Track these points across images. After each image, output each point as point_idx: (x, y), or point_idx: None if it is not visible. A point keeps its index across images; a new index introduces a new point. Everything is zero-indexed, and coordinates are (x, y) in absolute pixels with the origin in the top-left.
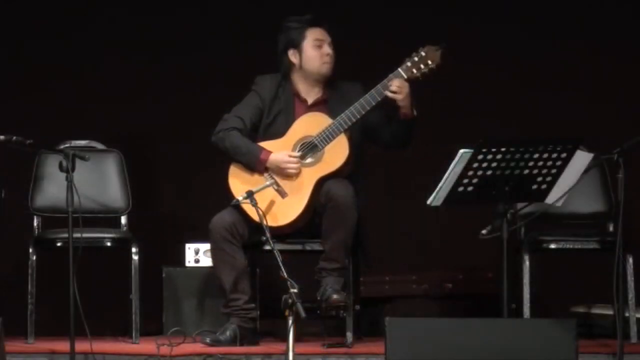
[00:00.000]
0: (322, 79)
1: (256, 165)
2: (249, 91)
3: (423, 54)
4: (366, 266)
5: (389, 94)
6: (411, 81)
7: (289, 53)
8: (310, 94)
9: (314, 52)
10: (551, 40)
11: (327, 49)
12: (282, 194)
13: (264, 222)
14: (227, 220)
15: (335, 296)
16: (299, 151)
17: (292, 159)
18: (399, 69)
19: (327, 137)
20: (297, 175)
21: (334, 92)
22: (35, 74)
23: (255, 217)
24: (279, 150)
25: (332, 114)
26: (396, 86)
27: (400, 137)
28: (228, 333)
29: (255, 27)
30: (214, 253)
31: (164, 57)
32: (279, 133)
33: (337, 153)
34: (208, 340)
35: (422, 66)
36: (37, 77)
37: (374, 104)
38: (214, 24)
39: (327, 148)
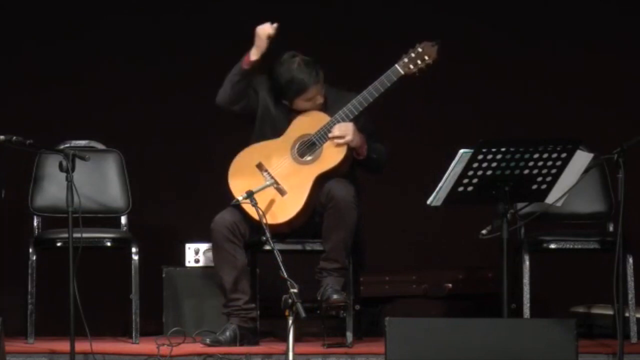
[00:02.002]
0: None
1: (243, 64)
2: None
3: (420, 50)
4: (360, 269)
5: (335, 141)
6: (408, 77)
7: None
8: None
9: (303, 104)
10: (551, 40)
11: (317, 101)
12: (282, 192)
13: (264, 222)
14: (229, 220)
15: (335, 296)
16: (297, 149)
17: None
18: (396, 65)
19: (326, 134)
20: (294, 169)
21: (333, 99)
22: (36, 74)
23: (256, 217)
24: (279, 149)
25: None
26: (337, 131)
27: (366, 170)
28: (228, 333)
29: (254, 28)
30: (215, 252)
31: (164, 57)
32: (273, 133)
33: (335, 150)
34: (208, 340)
35: (419, 62)
36: (37, 77)
37: (371, 100)
38: (214, 24)
39: (326, 145)
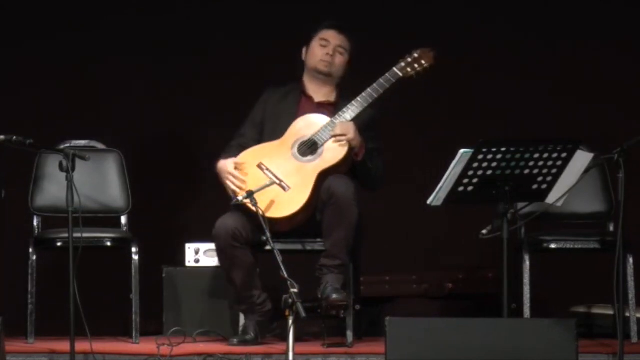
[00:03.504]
0: (322, 77)
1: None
2: (249, 93)
3: (416, 55)
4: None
5: (336, 139)
6: (405, 79)
7: (304, 50)
8: (318, 93)
9: (318, 49)
10: (551, 40)
11: (329, 50)
12: (285, 188)
13: (264, 223)
14: (230, 226)
15: (335, 296)
16: (298, 149)
17: (235, 173)
18: (394, 68)
19: (327, 133)
20: (297, 168)
21: (345, 102)
22: (35, 73)
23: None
24: (279, 150)
25: None
26: (339, 130)
27: (360, 178)
28: (252, 332)
29: (257, 27)
30: (221, 258)
31: (165, 57)
32: (281, 128)
33: (336, 148)
34: (235, 341)
35: (416, 66)
36: (37, 76)
37: (370, 101)
38: (215, 24)
39: (327, 145)
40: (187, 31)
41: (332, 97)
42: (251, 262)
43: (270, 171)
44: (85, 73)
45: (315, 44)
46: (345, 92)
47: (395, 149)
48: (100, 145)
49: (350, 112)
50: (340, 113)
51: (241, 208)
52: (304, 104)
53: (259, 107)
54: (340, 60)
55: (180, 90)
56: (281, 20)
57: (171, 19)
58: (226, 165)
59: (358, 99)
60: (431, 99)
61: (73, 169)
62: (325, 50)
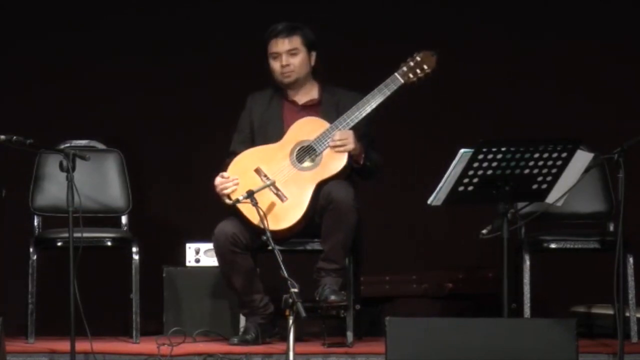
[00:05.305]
0: (292, 85)
1: None
2: (249, 92)
3: (419, 59)
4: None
5: (335, 149)
6: (407, 85)
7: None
8: (300, 95)
9: (273, 64)
10: (552, 40)
11: (283, 61)
12: (282, 197)
13: (265, 222)
14: (229, 231)
15: (332, 297)
16: (296, 155)
17: (223, 179)
18: (396, 74)
19: (326, 141)
20: (295, 176)
21: (329, 96)
22: (36, 73)
23: (255, 220)
24: (277, 154)
25: (325, 118)
26: (339, 139)
27: (360, 176)
28: (252, 332)
29: (257, 27)
30: (221, 265)
31: (165, 57)
32: (270, 137)
33: (335, 157)
34: (236, 340)
35: (418, 71)
36: (37, 76)
37: (371, 108)
38: (213, 23)
39: (326, 152)
40: (187, 31)
41: (315, 95)
42: (251, 267)
43: (267, 178)
44: (85, 73)
45: (270, 60)
46: (327, 85)
47: (396, 149)
48: (100, 145)
49: (349, 121)
50: (340, 120)
51: (238, 215)
52: (288, 110)
53: (245, 119)
54: (297, 60)
55: (180, 90)
56: (281, 20)
57: (171, 19)
58: (215, 179)
59: (359, 104)
60: (431, 99)
61: (73, 169)
62: (278, 63)
